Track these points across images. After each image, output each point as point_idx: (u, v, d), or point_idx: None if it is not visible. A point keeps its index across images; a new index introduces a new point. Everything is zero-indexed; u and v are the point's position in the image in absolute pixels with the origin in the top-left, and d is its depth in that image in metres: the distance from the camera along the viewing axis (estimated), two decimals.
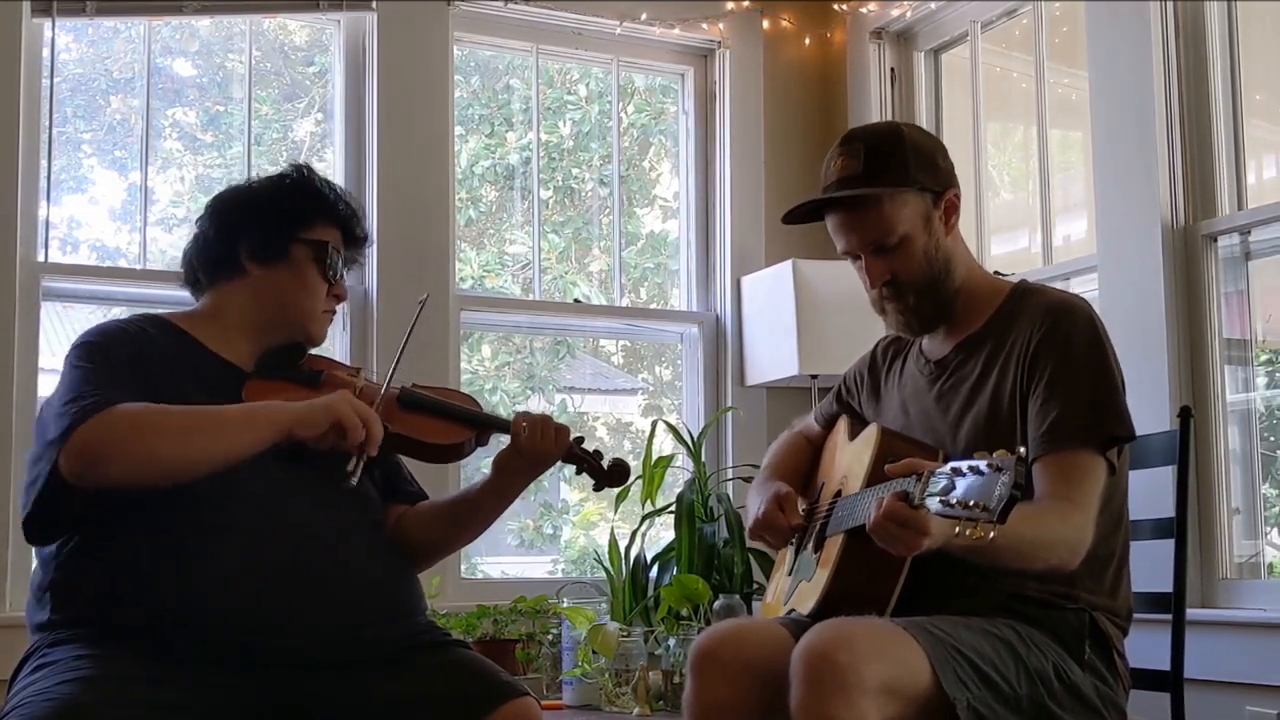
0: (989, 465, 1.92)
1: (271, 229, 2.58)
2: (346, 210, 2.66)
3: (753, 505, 2.81)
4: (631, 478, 2.76)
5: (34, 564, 2.43)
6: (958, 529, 1.95)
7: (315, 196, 2.64)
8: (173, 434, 2.25)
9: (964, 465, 1.97)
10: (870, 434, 2.63)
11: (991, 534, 1.92)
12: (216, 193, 2.69)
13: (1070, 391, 2.42)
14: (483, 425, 2.62)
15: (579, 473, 2.65)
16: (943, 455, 2.49)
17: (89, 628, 2.25)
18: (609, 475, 2.65)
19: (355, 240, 2.69)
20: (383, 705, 2.32)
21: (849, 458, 2.70)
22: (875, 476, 2.45)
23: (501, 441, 2.62)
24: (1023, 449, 1.93)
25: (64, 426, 2.23)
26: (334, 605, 2.33)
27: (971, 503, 1.92)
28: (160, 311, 2.61)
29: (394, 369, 2.56)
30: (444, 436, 2.57)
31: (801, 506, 2.80)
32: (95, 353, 2.39)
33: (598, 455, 2.65)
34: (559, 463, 2.63)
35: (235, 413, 2.33)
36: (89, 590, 2.29)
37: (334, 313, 2.68)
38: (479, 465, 4.43)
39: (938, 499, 1.98)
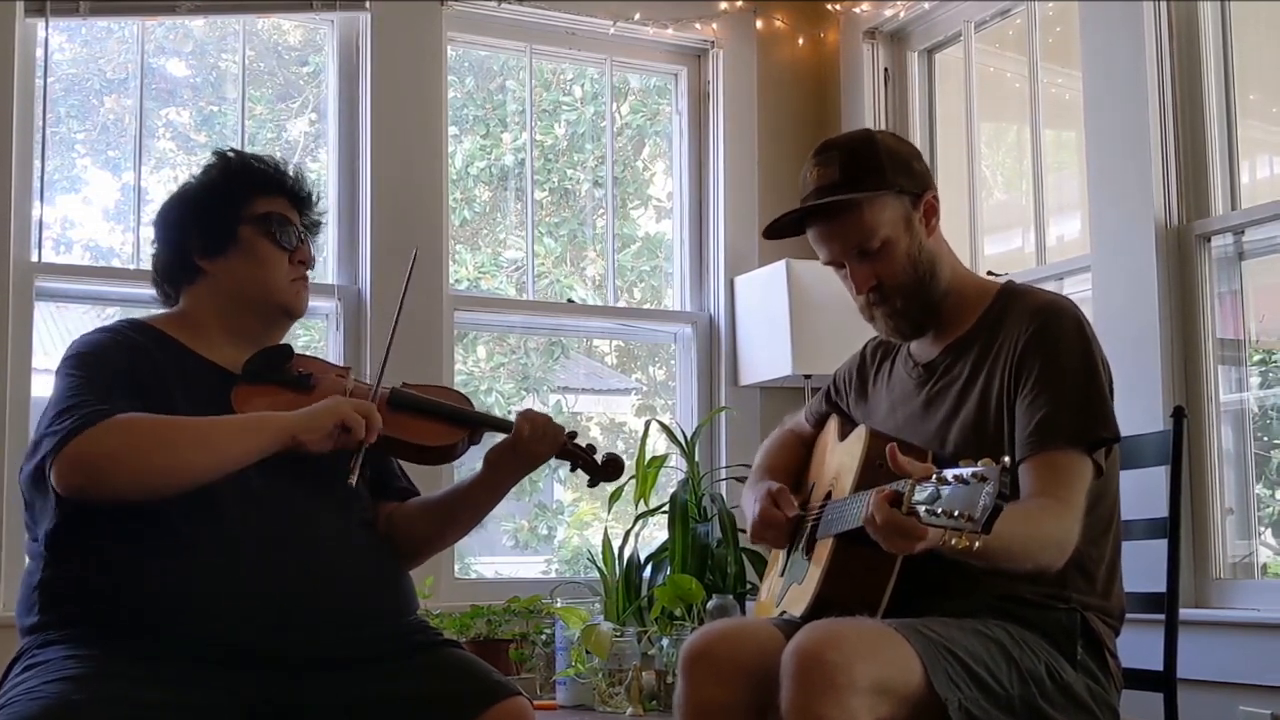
0: (973, 475, 1.92)
1: (213, 219, 2.54)
2: (277, 174, 2.62)
3: (748, 506, 2.81)
4: (625, 472, 2.75)
5: (25, 564, 2.42)
6: (943, 538, 1.96)
7: (246, 173, 2.60)
8: (175, 446, 2.24)
9: (949, 474, 1.97)
10: (860, 436, 2.63)
11: (976, 544, 1.93)
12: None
13: (1057, 392, 2.42)
14: (475, 424, 2.61)
15: (573, 469, 2.64)
16: (930, 457, 2.49)
17: (80, 628, 2.24)
18: (603, 470, 2.64)
19: (302, 201, 2.64)
20: (374, 705, 2.32)
21: (839, 459, 2.70)
22: (864, 480, 2.46)
23: (494, 437, 2.61)
24: (1007, 458, 1.93)
25: (57, 440, 2.21)
26: (325, 605, 2.33)
27: (956, 512, 1.92)
28: (142, 316, 2.59)
29: (384, 365, 2.54)
30: (437, 438, 2.56)
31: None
32: (88, 361, 2.38)
33: (591, 450, 2.64)
34: (553, 459, 2.63)
35: (238, 421, 2.33)
36: (80, 589, 2.28)
37: (305, 279, 2.63)
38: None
39: (924, 508, 1.98)
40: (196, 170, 2.66)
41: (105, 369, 2.36)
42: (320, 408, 2.36)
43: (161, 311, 2.62)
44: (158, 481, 2.22)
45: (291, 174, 2.65)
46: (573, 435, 2.62)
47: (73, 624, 2.25)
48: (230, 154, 2.64)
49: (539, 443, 2.56)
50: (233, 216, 2.55)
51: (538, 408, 4.85)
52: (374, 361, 4.15)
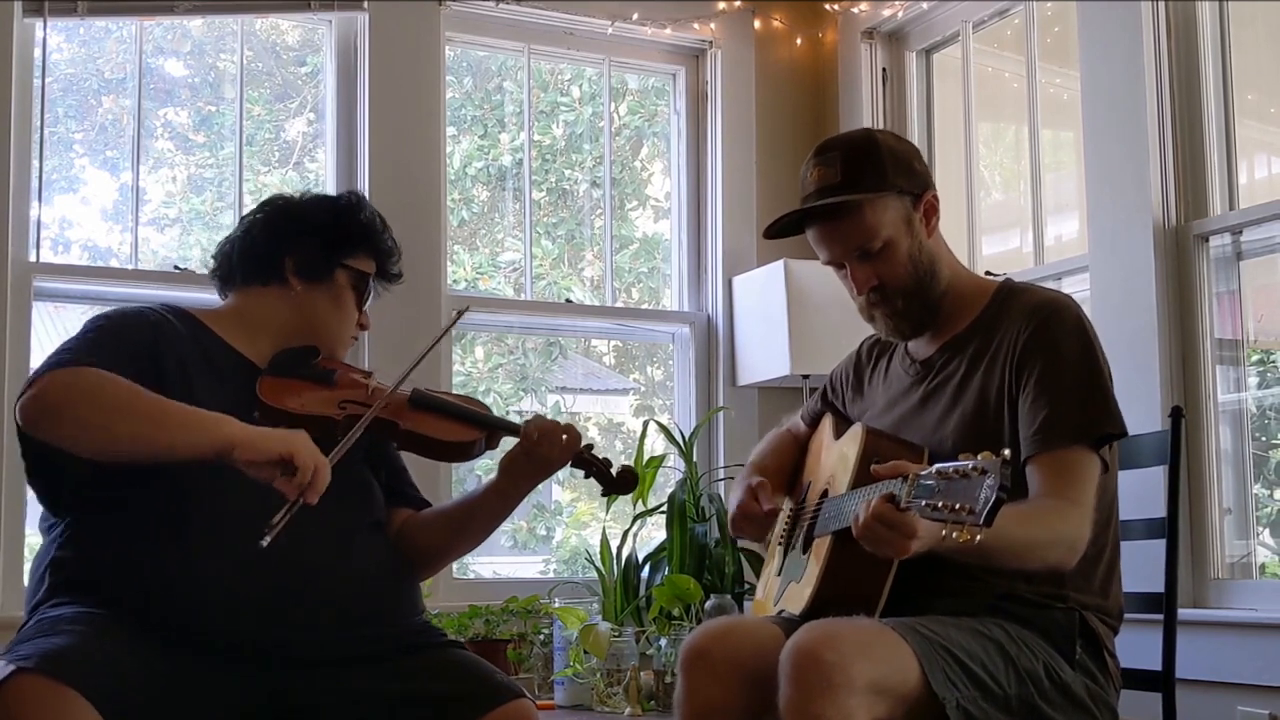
0: (974, 468, 1.92)
1: (321, 249, 2.63)
2: (388, 246, 2.73)
3: (731, 501, 2.82)
4: (638, 485, 2.77)
5: (30, 559, 2.42)
6: (944, 532, 1.96)
7: (366, 227, 2.70)
8: (116, 410, 2.22)
9: (950, 468, 1.96)
10: (855, 433, 2.63)
11: (978, 537, 1.92)
12: (271, 196, 2.75)
13: (1061, 390, 2.42)
14: (492, 427, 2.62)
15: (587, 477, 2.65)
16: (928, 455, 2.49)
17: (90, 597, 2.25)
18: (617, 482, 2.66)
19: (388, 277, 2.76)
20: (378, 704, 2.33)
21: (835, 457, 2.70)
22: (861, 477, 2.45)
23: (509, 446, 2.62)
24: (1007, 451, 1.92)
25: (31, 377, 2.27)
26: (331, 603, 2.34)
27: (957, 506, 1.92)
28: (185, 306, 2.62)
29: (409, 370, 2.56)
30: (454, 435, 2.57)
31: (789, 505, 2.80)
32: (103, 327, 2.42)
33: (606, 463, 2.66)
34: (567, 467, 2.64)
35: (183, 412, 2.25)
36: (89, 569, 2.29)
37: (356, 339, 2.74)
38: (476, 470, 4.43)
39: (924, 502, 1.98)
40: (319, 190, 2.74)
41: (115, 338, 2.39)
42: (275, 432, 2.22)
43: (196, 307, 2.64)
44: (90, 439, 2.22)
45: (396, 249, 2.76)
46: (589, 446, 2.63)
47: (83, 593, 2.26)
48: (360, 199, 2.75)
49: (550, 447, 2.56)
50: (337, 257, 2.65)
51: (536, 408, 4.91)
52: (371, 360, 4.16)
